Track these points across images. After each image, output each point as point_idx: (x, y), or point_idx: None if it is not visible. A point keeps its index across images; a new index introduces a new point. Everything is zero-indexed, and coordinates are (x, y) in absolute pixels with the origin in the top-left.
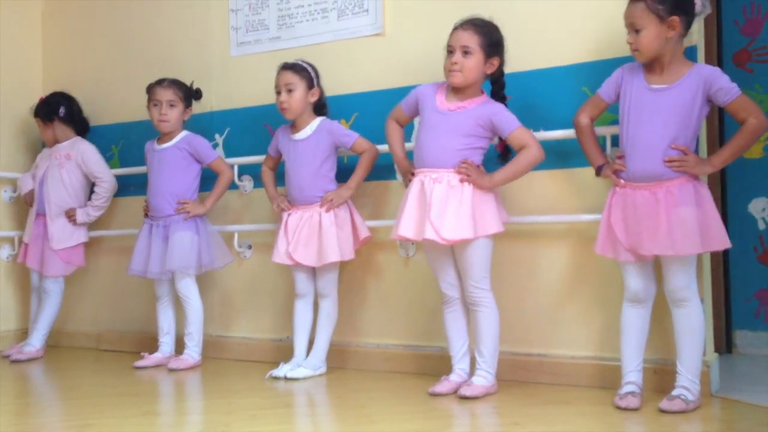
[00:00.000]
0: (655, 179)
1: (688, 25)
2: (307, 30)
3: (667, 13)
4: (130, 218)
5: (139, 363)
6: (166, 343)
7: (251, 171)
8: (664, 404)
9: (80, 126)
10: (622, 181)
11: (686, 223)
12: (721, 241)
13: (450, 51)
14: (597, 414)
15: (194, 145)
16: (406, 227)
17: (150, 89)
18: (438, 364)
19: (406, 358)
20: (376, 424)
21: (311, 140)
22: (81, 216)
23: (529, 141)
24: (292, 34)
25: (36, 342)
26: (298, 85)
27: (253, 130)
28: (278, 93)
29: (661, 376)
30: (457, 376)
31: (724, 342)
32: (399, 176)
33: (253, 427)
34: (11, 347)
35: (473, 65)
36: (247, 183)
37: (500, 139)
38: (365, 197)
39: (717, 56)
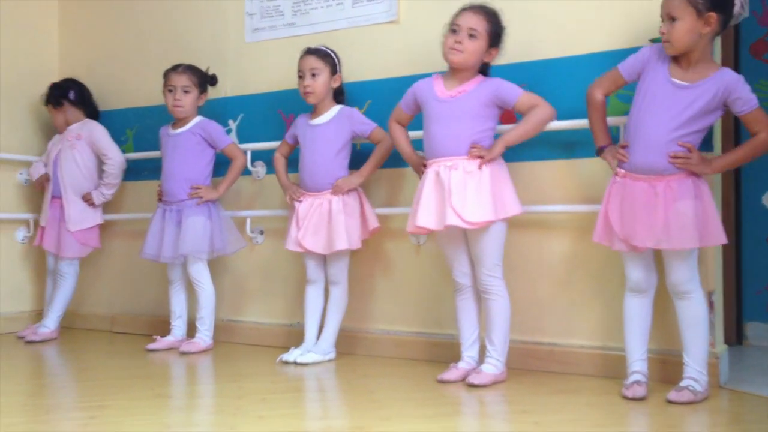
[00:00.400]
0: (656, 173)
1: (724, 25)
2: (321, 16)
3: (705, 8)
4: (144, 202)
5: (151, 346)
6: (178, 327)
7: (264, 157)
8: (672, 395)
9: (90, 109)
10: (621, 170)
11: (683, 218)
12: (718, 236)
13: (454, 30)
14: (604, 403)
15: (208, 131)
16: (426, 218)
17: (166, 75)
18: (448, 351)
19: (416, 344)
20: (385, 410)
21: (330, 126)
22: (97, 197)
23: (538, 101)
24: (306, 21)
25: (50, 323)
26: (323, 70)
27: (267, 117)
28: (301, 77)
29: (667, 366)
30: (465, 363)
31: (734, 334)
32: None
33: (263, 411)
34: (26, 328)
35: (476, 49)
36: (260, 169)
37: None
38: (379, 185)
39: (734, 46)
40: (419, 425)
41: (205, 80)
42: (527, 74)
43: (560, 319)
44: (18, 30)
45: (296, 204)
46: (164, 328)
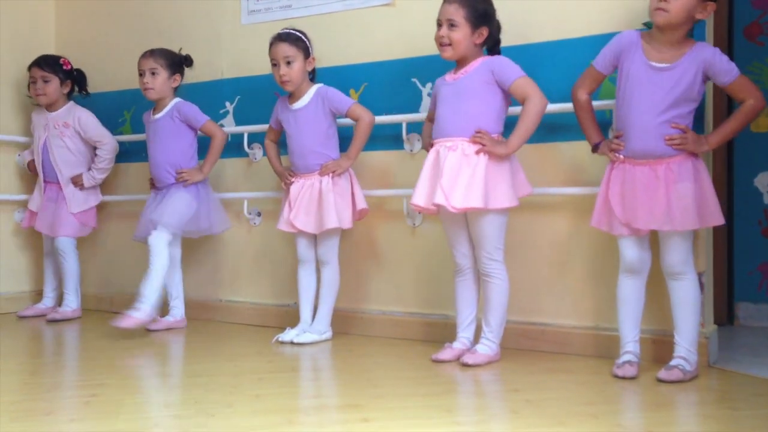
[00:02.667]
0: (654, 157)
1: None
2: None
3: None
4: (141, 183)
5: (152, 326)
6: (177, 307)
7: (261, 139)
8: (662, 374)
9: (79, 87)
10: (621, 156)
11: (685, 200)
12: (717, 217)
13: (439, 24)
14: (595, 382)
15: (184, 112)
16: (419, 196)
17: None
18: (442, 331)
19: (411, 325)
20: (380, 388)
21: (309, 108)
22: (87, 180)
23: (530, 91)
24: (302, 3)
25: (72, 303)
26: (297, 56)
27: (263, 98)
28: (275, 65)
29: (659, 346)
30: (460, 343)
31: (725, 314)
32: (408, 146)
33: (259, 389)
34: (26, 308)
35: (460, 38)
36: (257, 151)
37: None
38: (373, 166)
39: (728, 29)
40: (413, 402)
41: (176, 61)
42: (522, 57)
43: (554, 300)
44: (15, 12)
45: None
46: (164, 309)
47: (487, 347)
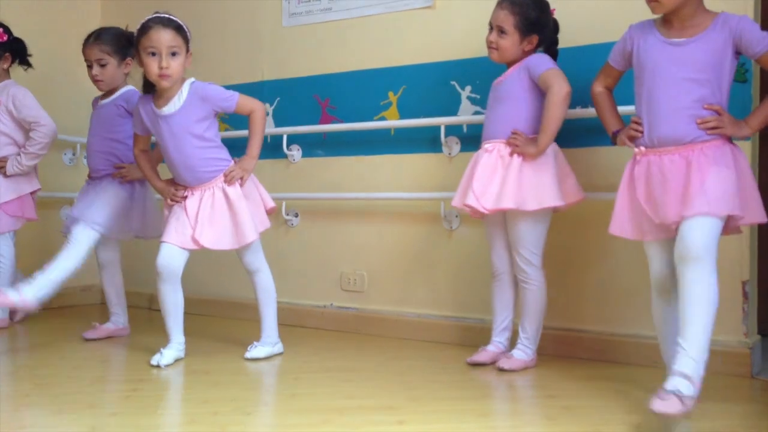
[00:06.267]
0: (684, 143)
1: None
2: (358, 2)
3: None
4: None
5: (89, 334)
6: (118, 314)
7: (300, 140)
8: (658, 404)
9: (18, 51)
10: (642, 148)
11: (724, 183)
12: (759, 213)
13: (490, 27)
14: (634, 391)
15: (132, 102)
16: (456, 197)
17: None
18: (479, 335)
19: (447, 328)
20: (415, 391)
21: (184, 113)
22: (11, 166)
23: (552, 80)
24: (343, 6)
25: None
26: (181, 49)
27: (303, 101)
28: (153, 54)
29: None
30: (494, 347)
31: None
32: (446, 149)
33: (296, 389)
34: None
35: (508, 45)
36: (295, 152)
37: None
38: (408, 170)
39: None
40: (448, 406)
41: (124, 44)
42: (568, 60)
43: (593, 306)
44: (62, 13)
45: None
46: (203, 307)
47: (523, 353)
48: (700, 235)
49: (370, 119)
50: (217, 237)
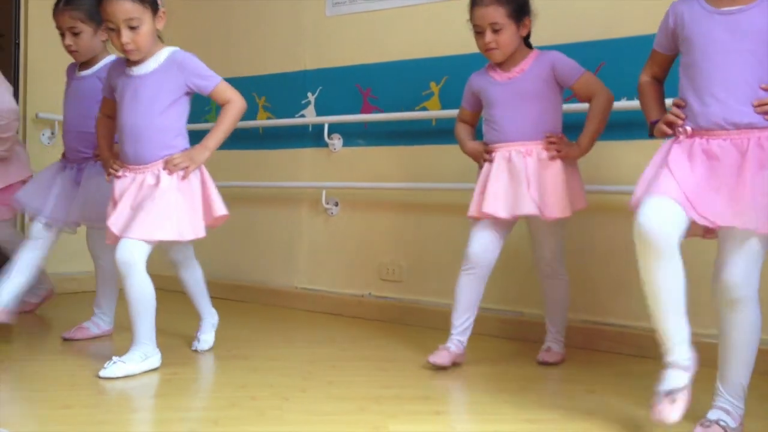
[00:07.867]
0: (738, 128)
1: None
2: None
3: None
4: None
5: (68, 334)
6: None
7: (340, 129)
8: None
9: None
10: (688, 128)
11: None
12: None
13: (477, 31)
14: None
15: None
16: (493, 204)
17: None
18: (518, 328)
19: (485, 320)
20: (452, 382)
21: (156, 77)
22: None
23: (596, 87)
24: None
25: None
26: (144, 15)
27: (345, 90)
28: (112, 29)
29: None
30: (455, 346)
31: None
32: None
33: (333, 376)
34: None
35: (508, 39)
36: (336, 141)
37: None
38: (450, 161)
39: None
40: (485, 398)
41: (99, 9)
42: (607, 52)
43: (631, 301)
44: None
45: (114, 181)
46: (239, 293)
47: (558, 345)
48: (744, 268)
49: (412, 109)
50: (124, 224)
